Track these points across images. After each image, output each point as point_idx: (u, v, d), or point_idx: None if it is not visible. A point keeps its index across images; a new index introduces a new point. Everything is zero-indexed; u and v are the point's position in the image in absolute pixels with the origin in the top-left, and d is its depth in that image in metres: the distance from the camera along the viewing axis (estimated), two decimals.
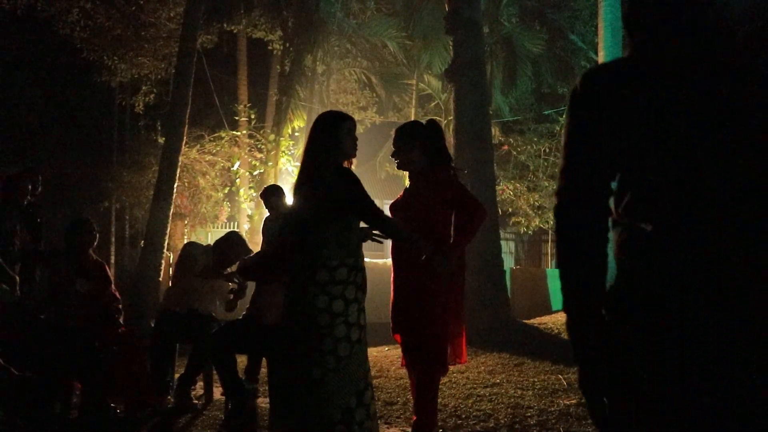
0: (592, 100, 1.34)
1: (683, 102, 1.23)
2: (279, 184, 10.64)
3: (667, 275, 1.18)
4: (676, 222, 1.18)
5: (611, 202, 1.33)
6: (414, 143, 3.43)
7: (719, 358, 1.12)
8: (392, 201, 3.62)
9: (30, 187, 5.23)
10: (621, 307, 1.24)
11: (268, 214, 5.66)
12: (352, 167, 3.11)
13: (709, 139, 1.20)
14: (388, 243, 3.43)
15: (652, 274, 1.20)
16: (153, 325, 4.80)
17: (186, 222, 13.96)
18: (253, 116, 13.91)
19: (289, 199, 5.07)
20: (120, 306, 4.69)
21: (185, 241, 13.36)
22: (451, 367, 3.53)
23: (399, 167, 3.56)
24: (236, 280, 4.71)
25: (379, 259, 12.13)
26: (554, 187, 1.40)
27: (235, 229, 13.79)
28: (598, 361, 1.27)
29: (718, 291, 1.13)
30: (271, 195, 5.55)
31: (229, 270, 4.87)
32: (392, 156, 3.55)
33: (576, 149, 1.36)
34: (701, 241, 1.15)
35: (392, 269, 3.47)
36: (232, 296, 4.70)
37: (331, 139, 2.99)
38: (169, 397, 4.59)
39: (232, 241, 4.81)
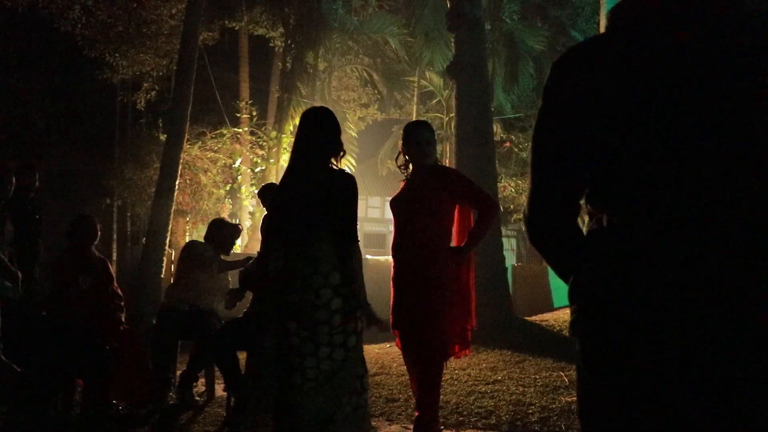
0: (563, 95, 1.20)
1: (679, 77, 1.12)
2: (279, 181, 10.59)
3: (658, 277, 1.10)
4: (668, 220, 1.10)
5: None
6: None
7: (710, 358, 1.07)
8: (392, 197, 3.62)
9: (15, 179, 5.09)
10: (604, 314, 1.16)
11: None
12: (353, 163, 3.14)
13: (710, 126, 1.10)
14: (388, 240, 3.43)
15: (640, 278, 1.11)
16: (155, 322, 4.82)
17: (188, 219, 13.97)
18: (254, 113, 13.90)
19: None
20: (122, 303, 4.70)
21: (187, 238, 13.40)
22: (453, 364, 3.54)
23: (422, 160, 3.48)
24: (252, 261, 4.75)
25: (380, 255, 12.13)
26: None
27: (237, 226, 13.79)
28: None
29: (712, 291, 1.07)
30: (269, 193, 5.54)
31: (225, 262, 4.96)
32: (419, 149, 3.46)
33: (544, 168, 1.25)
34: (696, 242, 1.08)
35: (392, 266, 3.47)
36: (231, 294, 4.70)
37: (336, 136, 3.05)
38: (170, 394, 4.60)
39: (219, 228, 5.01)
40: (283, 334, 2.90)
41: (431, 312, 3.29)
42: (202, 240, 5.16)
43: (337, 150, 3.04)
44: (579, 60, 1.22)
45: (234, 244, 5.00)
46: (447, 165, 7.69)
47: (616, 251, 1.16)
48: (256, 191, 6.28)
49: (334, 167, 3.03)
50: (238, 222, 13.17)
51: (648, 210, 1.13)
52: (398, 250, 3.43)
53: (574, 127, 1.19)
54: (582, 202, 1.30)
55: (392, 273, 3.45)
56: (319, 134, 3.02)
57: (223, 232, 4.93)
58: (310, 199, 2.96)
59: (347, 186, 2.96)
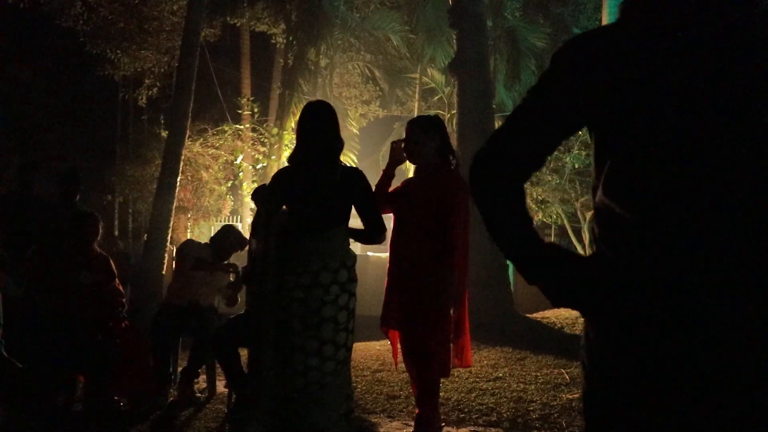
0: (563, 75, 1.21)
1: (687, 71, 1.10)
2: None
3: (672, 272, 1.09)
4: (685, 217, 1.08)
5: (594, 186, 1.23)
6: (434, 137, 3.38)
7: (719, 360, 1.06)
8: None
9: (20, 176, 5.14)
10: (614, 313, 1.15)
11: None
12: (354, 160, 3.16)
13: (727, 121, 1.08)
14: (388, 238, 3.42)
15: (653, 272, 1.10)
16: (154, 318, 4.82)
17: (189, 216, 13.98)
18: (256, 110, 13.90)
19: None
20: (124, 299, 4.71)
21: (188, 235, 13.41)
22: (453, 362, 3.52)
23: (411, 160, 3.49)
24: (231, 270, 4.75)
25: (381, 252, 12.12)
26: (557, 182, 1.32)
27: (237, 223, 13.82)
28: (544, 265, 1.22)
29: (725, 289, 1.06)
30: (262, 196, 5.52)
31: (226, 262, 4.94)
32: (406, 146, 3.44)
33: (521, 123, 1.26)
34: (714, 239, 1.06)
35: (389, 261, 3.45)
36: (230, 291, 4.70)
37: (339, 130, 3.06)
38: (171, 390, 4.60)
39: (227, 234, 4.93)
40: (284, 332, 2.86)
41: (423, 308, 3.27)
42: (203, 238, 5.15)
43: (342, 144, 3.07)
44: (588, 47, 1.20)
45: (231, 254, 4.96)
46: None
47: (631, 249, 1.14)
48: (251, 193, 6.25)
49: (342, 162, 3.05)
50: (240, 225, 13.22)
51: (665, 206, 1.10)
52: (394, 246, 3.43)
53: (567, 110, 1.20)
54: (585, 198, 1.29)
55: (389, 267, 3.46)
56: (328, 129, 2.98)
57: (227, 240, 4.88)
58: (325, 195, 2.93)
59: (359, 180, 2.98)
